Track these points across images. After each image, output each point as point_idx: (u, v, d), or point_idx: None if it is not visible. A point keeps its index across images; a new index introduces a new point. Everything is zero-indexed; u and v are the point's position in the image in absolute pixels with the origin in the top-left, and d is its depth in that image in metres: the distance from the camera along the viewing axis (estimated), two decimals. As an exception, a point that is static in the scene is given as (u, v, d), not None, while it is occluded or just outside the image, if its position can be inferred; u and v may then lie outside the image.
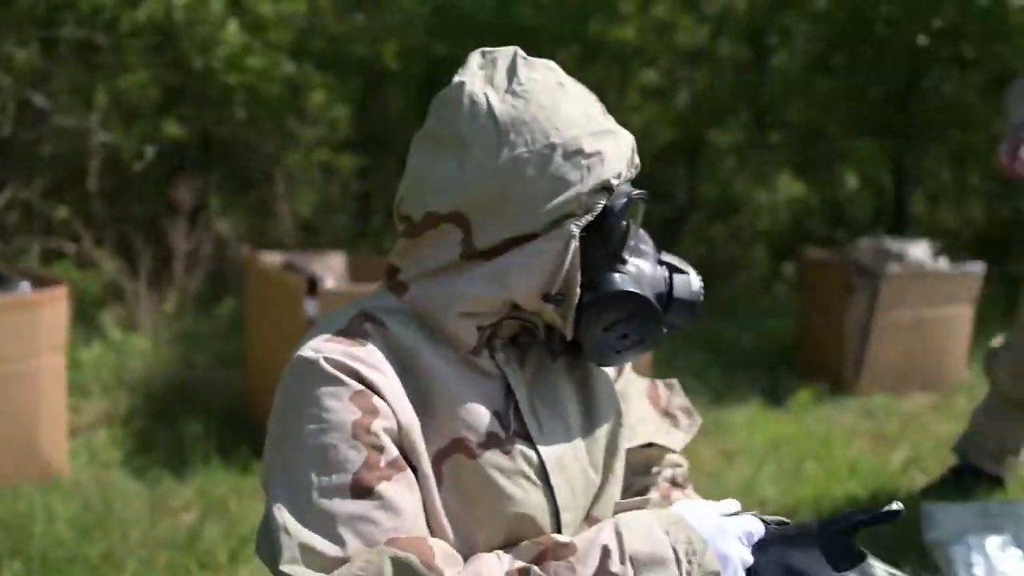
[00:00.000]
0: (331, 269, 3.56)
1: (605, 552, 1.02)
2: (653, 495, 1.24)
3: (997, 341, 2.98)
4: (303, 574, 0.99)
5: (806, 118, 6.89)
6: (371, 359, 1.07)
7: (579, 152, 1.06)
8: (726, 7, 7.99)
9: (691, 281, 1.17)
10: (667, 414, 1.30)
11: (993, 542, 2.44)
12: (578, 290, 1.09)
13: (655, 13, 7.81)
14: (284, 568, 0.99)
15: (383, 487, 1.01)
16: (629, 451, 1.25)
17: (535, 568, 1.01)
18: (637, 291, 1.10)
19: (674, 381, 1.35)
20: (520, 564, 1.02)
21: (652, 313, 1.11)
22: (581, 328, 1.11)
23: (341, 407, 1.03)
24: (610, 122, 1.11)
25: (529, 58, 1.12)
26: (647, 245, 1.18)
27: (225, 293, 5.22)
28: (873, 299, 4.15)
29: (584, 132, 1.07)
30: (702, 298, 1.17)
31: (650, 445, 1.27)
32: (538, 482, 1.10)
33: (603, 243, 1.10)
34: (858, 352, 4.20)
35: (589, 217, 1.07)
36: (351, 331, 1.09)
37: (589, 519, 1.16)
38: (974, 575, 2.35)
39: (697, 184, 8.06)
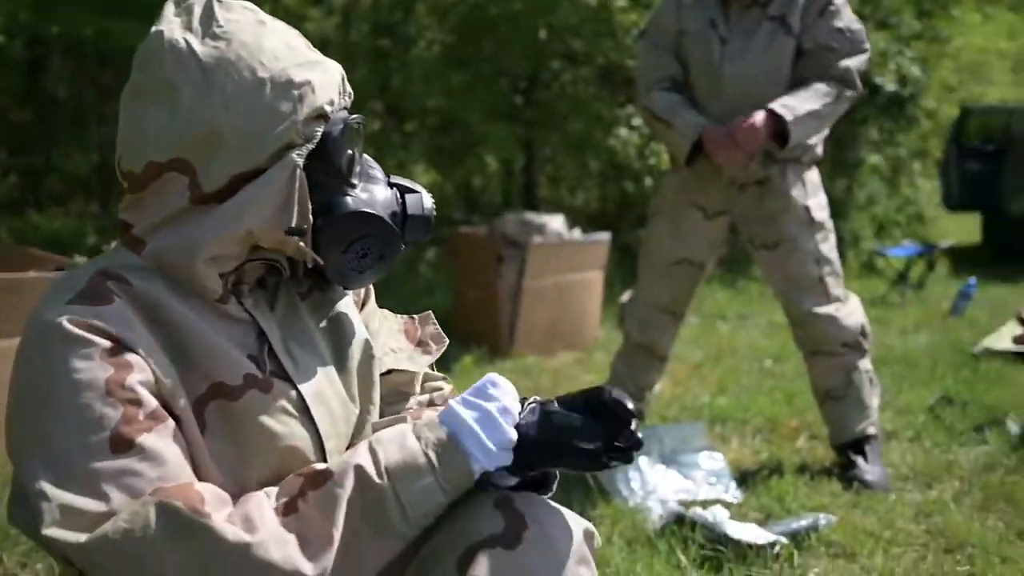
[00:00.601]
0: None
1: (361, 470, 1.06)
2: (406, 413, 1.30)
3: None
4: (66, 536, 0.97)
5: (442, 107, 7.23)
6: (118, 315, 1.05)
7: (288, 83, 1.08)
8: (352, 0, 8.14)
9: (423, 198, 1.24)
10: (420, 343, 1.37)
11: (644, 461, 2.83)
12: (311, 217, 1.13)
13: (284, 3, 7.76)
14: (46, 532, 0.97)
15: (144, 439, 1.01)
16: (381, 379, 1.31)
17: (299, 500, 1.04)
18: (368, 210, 1.16)
19: (428, 313, 1.41)
20: (285, 499, 1.05)
21: (386, 230, 1.17)
22: (321, 253, 1.15)
23: (92, 366, 1.02)
24: (315, 54, 1.15)
25: (225, 0, 1.13)
26: (376, 170, 1.24)
27: None
28: (521, 268, 4.51)
29: (291, 64, 1.10)
30: (435, 212, 1.25)
31: (391, 371, 1.34)
32: (299, 416, 1.14)
33: (329, 169, 1.15)
34: (511, 318, 4.55)
35: (310, 146, 1.10)
36: (93, 290, 1.07)
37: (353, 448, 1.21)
38: (632, 488, 2.72)
39: (337, 174, 8.13)
